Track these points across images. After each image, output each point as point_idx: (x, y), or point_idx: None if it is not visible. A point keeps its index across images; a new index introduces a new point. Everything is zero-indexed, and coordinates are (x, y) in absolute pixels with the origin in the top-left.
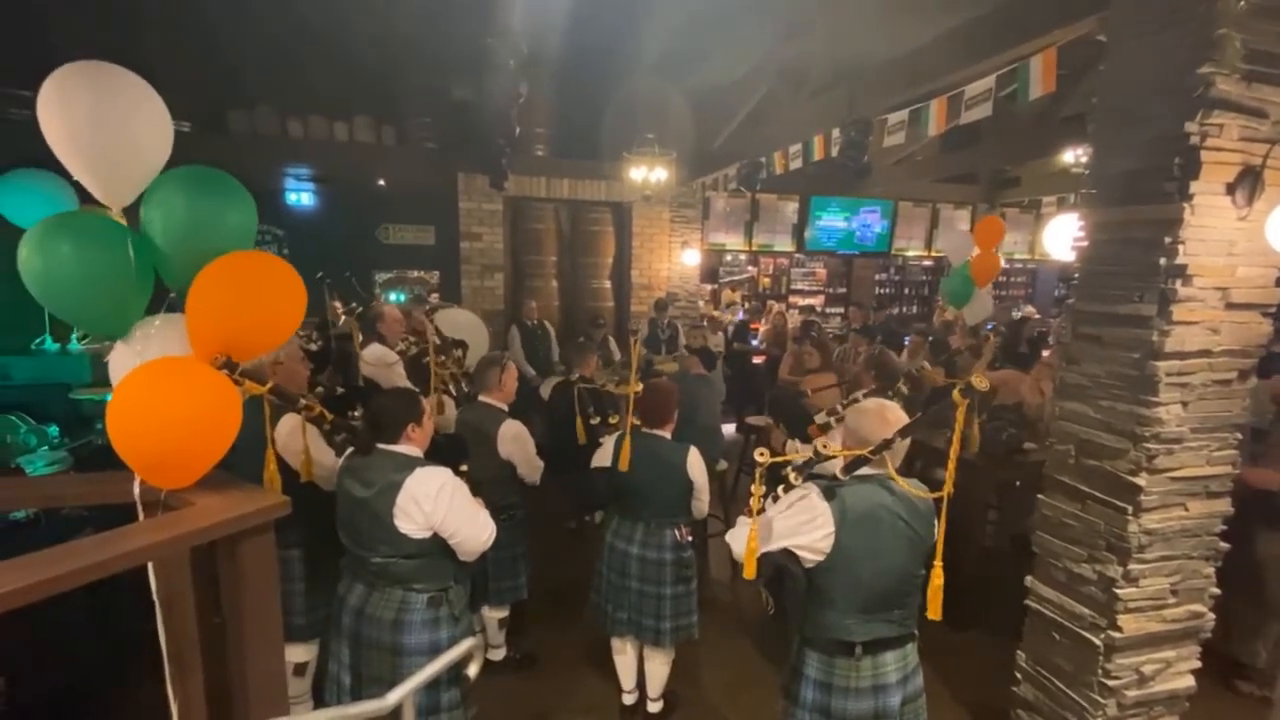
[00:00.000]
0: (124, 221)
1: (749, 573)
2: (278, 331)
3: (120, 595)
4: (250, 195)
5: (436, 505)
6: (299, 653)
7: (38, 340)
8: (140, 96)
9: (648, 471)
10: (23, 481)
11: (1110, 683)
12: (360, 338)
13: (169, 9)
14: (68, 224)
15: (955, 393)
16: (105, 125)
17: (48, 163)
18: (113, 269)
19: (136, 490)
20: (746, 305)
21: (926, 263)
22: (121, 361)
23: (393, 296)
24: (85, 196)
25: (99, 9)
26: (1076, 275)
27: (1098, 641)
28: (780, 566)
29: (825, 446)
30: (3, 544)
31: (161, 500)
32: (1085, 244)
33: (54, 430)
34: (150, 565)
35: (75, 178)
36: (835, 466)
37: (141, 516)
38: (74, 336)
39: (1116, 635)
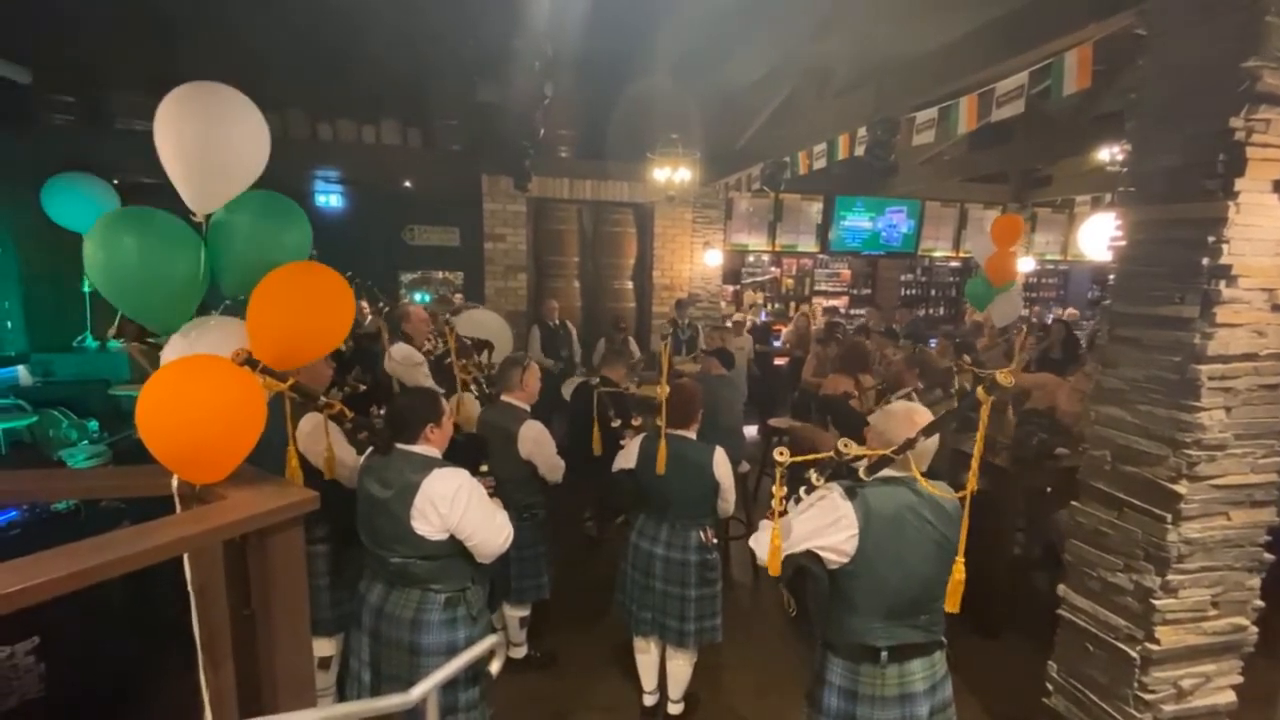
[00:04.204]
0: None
1: (774, 570)
2: (332, 337)
3: (155, 586)
4: (307, 218)
5: (453, 508)
6: (323, 647)
7: (79, 338)
8: (249, 120)
9: (673, 472)
10: (64, 474)
11: (1147, 696)
12: (387, 336)
13: (203, 16)
14: (150, 221)
15: (979, 390)
16: (213, 142)
17: (91, 167)
18: (184, 270)
19: (174, 484)
20: (769, 307)
21: (954, 264)
22: (176, 354)
23: (418, 297)
24: (125, 200)
25: (134, 19)
26: (1113, 276)
27: (1134, 654)
28: (801, 567)
29: (846, 446)
30: (44, 534)
31: (196, 494)
32: (1123, 244)
33: (94, 425)
34: (186, 557)
35: (174, 183)
36: (859, 466)
37: (179, 509)
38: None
39: (1154, 648)
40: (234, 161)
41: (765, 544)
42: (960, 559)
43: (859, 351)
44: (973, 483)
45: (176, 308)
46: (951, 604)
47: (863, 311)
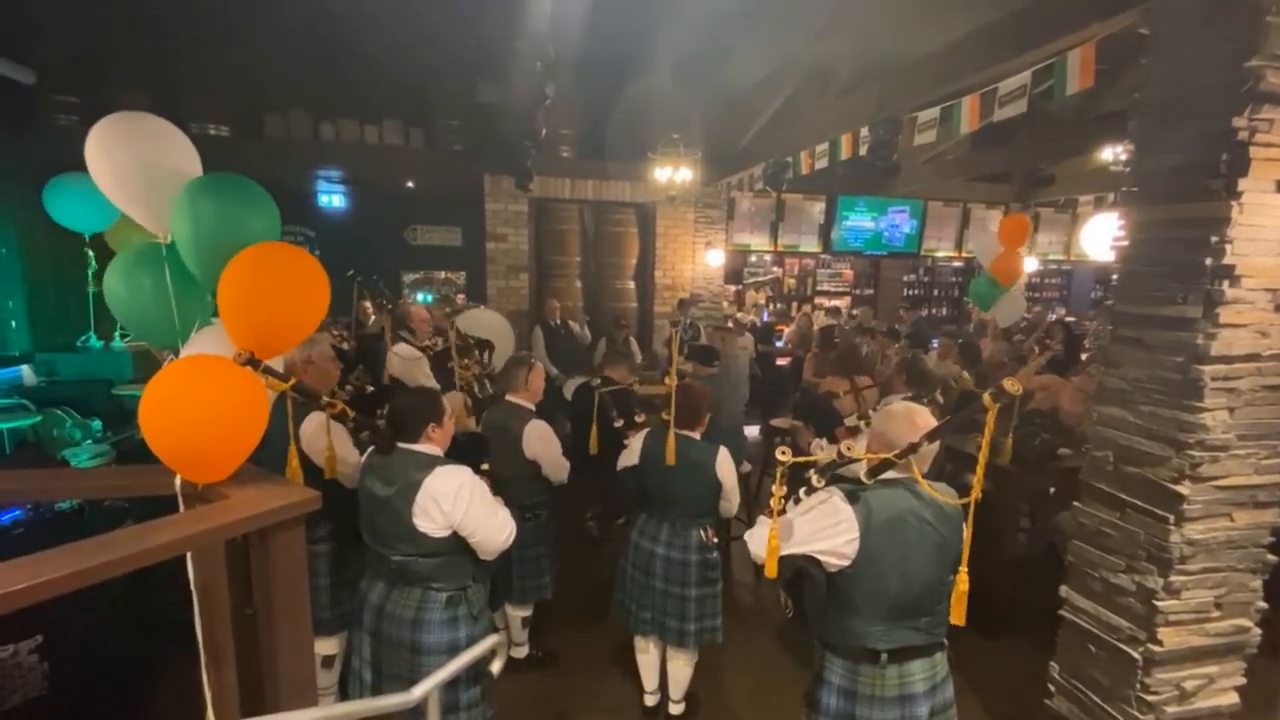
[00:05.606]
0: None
1: (770, 571)
2: (308, 316)
3: (157, 585)
4: (271, 197)
5: (455, 505)
6: (326, 646)
7: (82, 338)
8: (173, 140)
9: (677, 471)
10: (68, 473)
11: (1149, 698)
12: (390, 336)
13: (205, 16)
14: (128, 259)
15: (986, 396)
16: (146, 169)
17: None
18: (154, 290)
19: (178, 484)
20: (772, 307)
21: (957, 264)
22: None
23: (420, 296)
24: None
25: (140, 21)
26: (1116, 276)
27: (1136, 655)
28: (799, 569)
29: (850, 449)
30: (48, 533)
31: (198, 493)
32: (1125, 243)
33: (97, 424)
34: (188, 556)
35: (126, 212)
36: (860, 469)
37: (182, 509)
38: (116, 334)
39: (1156, 649)
40: (171, 180)
41: (762, 541)
42: (964, 569)
43: (854, 354)
44: (977, 490)
45: (167, 323)
46: (957, 615)
47: (856, 311)
